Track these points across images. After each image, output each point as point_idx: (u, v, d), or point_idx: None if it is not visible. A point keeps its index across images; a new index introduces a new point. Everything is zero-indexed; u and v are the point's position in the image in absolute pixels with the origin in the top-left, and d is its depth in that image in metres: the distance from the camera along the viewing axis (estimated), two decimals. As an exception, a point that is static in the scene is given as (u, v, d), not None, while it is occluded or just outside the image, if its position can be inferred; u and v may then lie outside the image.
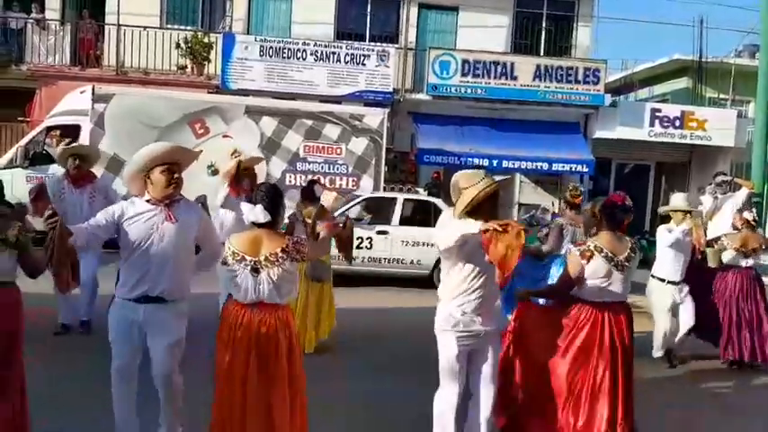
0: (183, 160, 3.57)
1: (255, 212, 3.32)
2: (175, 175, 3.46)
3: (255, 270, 3.26)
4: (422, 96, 14.33)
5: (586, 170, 13.97)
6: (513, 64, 14.14)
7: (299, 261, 3.46)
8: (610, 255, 3.72)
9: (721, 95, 17.55)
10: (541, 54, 15.37)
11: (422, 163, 13.89)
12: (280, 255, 3.28)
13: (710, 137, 14.88)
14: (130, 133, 10.51)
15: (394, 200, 10.36)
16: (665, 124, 14.85)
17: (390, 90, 13.97)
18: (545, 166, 13.83)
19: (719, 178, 9.38)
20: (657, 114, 14.90)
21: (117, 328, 3.48)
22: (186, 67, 14.21)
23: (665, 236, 5.90)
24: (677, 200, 6.28)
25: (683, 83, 18.53)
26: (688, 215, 5.91)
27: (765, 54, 10.76)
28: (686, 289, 6.04)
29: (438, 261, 6.84)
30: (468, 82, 13.96)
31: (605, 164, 15.75)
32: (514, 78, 14.06)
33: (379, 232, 9.90)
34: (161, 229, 3.41)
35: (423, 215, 10.42)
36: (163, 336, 3.47)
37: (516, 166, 13.75)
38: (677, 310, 6.07)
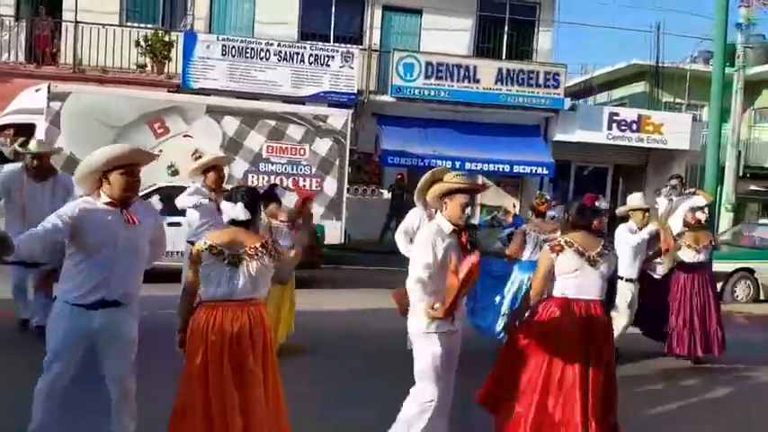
0: (142, 162, 3.45)
1: (236, 210, 3.33)
2: (135, 178, 3.35)
3: (234, 263, 3.26)
4: (386, 98, 14.38)
5: (546, 172, 14.22)
6: (475, 67, 14.31)
7: (275, 261, 3.44)
8: (581, 249, 3.72)
9: (677, 100, 18.06)
10: (503, 58, 15.59)
11: (386, 164, 13.94)
12: (260, 249, 3.32)
13: (666, 140, 15.31)
14: (87, 132, 10.24)
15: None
16: (623, 128, 15.22)
17: (355, 91, 13.98)
18: (506, 168, 14.04)
19: (674, 181, 9.64)
20: (615, 118, 15.26)
21: (64, 337, 3.26)
22: (146, 65, 13.96)
23: (626, 236, 6.02)
24: (635, 199, 6.47)
25: (640, 87, 18.99)
26: (647, 213, 6.09)
27: (718, 61, 11.08)
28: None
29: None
30: (431, 84, 14.07)
31: (565, 166, 16.05)
32: (477, 81, 14.24)
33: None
34: (122, 233, 3.27)
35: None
36: (118, 340, 3.36)
37: (479, 168, 13.92)
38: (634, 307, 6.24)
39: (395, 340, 5.52)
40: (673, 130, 15.31)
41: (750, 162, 16.43)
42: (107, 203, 3.27)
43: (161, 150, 10.11)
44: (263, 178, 10.85)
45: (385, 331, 5.98)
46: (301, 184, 11.31)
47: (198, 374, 3.22)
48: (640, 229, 6.14)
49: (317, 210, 10.79)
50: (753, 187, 16.44)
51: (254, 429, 3.22)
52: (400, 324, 3.90)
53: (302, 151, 11.43)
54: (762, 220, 16.12)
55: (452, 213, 3.57)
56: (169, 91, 13.00)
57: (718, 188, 12.92)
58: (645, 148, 15.73)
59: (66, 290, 3.30)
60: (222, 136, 11.04)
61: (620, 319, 6.08)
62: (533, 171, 14.17)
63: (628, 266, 6.05)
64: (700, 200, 9.21)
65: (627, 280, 6.04)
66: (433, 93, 14.11)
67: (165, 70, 13.87)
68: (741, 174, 14.90)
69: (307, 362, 5.69)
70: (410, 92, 14.08)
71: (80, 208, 3.25)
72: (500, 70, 14.37)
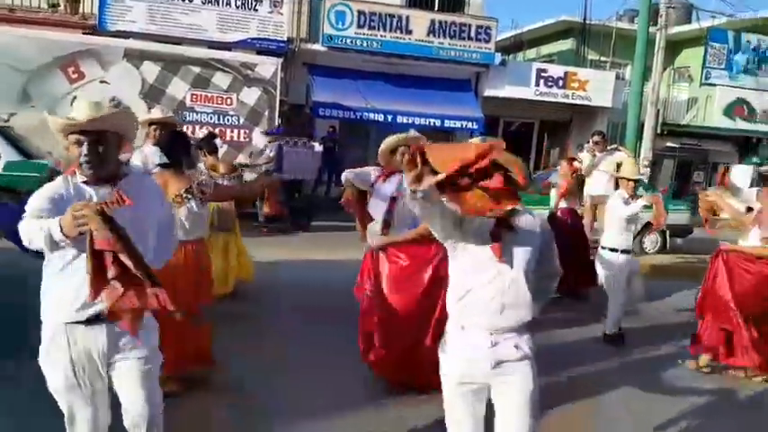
0: (111, 127, 2.39)
1: (160, 155, 3.75)
2: (100, 149, 2.33)
3: None
4: (317, 47, 14.00)
5: (476, 127, 14.36)
6: (408, 18, 14.09)
7: (204, 201, 3.76)
8: None
9: (602, 57, 18.49)
10: (436, 9, 15.42)
11: (317, 116, 13.68)
12: (185, 195, 3.56)
13: (590, 97, 15.73)
14: (-6, 76, 9.54)
15: None
16: (550, 84, 15.50)
17: (284, 39, 13.51)
18: (437, 122, 14.07)
19: (597, 137, 9.96)
20: (543, 74, 15.50)
21: (66, 370, 2.38)
22: (58, 4, 12.95)
23: (620, 207, 5.69)
24: (628, 166, 6.32)
25: (568, 44, 19.31)
26: (633, 183, 5.76)
27: (643, 20, 11.39)
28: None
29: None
30: (363, 34, 13.78)
31: (494, 121, 16.27)
32: (410, 33, 14.06)
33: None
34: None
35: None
36: (134, 358, 2.46)
37: (410, 122, 13.87)
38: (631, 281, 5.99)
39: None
40: (597, 87, 15.72)
41: (668, 120, 17.16)
42: (85, 182, 2.38)
43: (75, 97, 9.54)
44: (188, 128, 10.44)
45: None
46: (228, 135, 10.99)
47: None
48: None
49: (245, 161, 10.54)
50: (669, 144, 17.23)
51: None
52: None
53: (229, 101, 11.06)
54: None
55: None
56: (84, 33, 12.13)
57: (637, 144, 13.47)
58: (570, 105, 16.10)
59: (55, 309, 2.37)
60: (142, 82, 10.51)
61: (617, 296, 5.79)
62: (463, 126, 14.27)
63: (620, 238, 5.73)
64: (622, 155, 9.61)
65: (623, 252, 5.71)
66: (365, 43, 13.83)
67: (80, 10, 12.91)
68: (659, 131, 15.53)
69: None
70: (342, 41, 13.76)
71: (61, 187, 2.36)
72: (432, 22, 14.22)
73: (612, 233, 5.80)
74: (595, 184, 9.41)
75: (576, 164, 7.69)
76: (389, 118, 13.62)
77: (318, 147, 11.85)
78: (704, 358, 5.12)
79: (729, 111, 17.53)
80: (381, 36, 13.87)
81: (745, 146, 17.95)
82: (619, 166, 7.89)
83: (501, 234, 2.44)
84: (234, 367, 4.25)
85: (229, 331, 4.67)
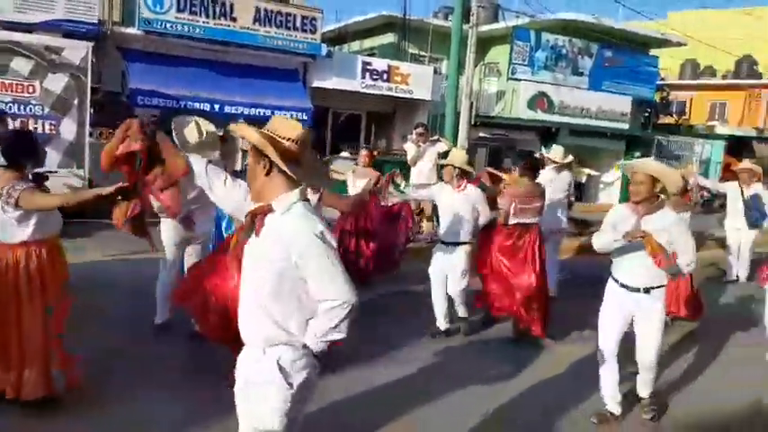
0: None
1: None
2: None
3: None
4: (133, 31, 13.08)
5: (306, 118, 14.42)
6: (232, 4, 13.68)
7: (14, 207, 3.65)
8: None
9: (421, 52, 19.47)
10: (261, -3, 15.13)
11: (136, 105, 12.79)
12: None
13: (412, 90, 16.54)
14: None
15: None
16: (375, 77, 16.04)
17: (95, 21, 12.43)
18: (267, 112, 13.89)
19: (420, 129, 10.55)
20: (368, 67, 15.99)
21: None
22: None
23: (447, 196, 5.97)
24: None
25: (389, 38, 20.06)
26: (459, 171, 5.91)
27: (457, 17, 12.19)
28: None
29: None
30: (184, 19, 13.13)
31: (323, 112, 16.46)
32: (234, 20, 13.67)
33: None
34: None
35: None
36: None
37: (238, 112, 13.58)
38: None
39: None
40: (417, 80, 16.56)
41: (480, 112, 18.57)
42: None
43: None
44: (-17, 119, 9.24)
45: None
46: (32, 125, 9.92)
47: None
48: None
49: (54, 157, 9.65)
50: (482, 134, 18.66)
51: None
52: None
53: (31, 88, 9.98)
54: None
55: None
56: None
57: (455, 135, 14.46)
58: (394, 97, 16.79)
59: None
60: None
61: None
62: (293, 116, 14.23)
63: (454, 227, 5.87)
64: (443, 146, 10.31)
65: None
66: (187, 29, 13.19)
67: None
68: (473, 122, 16.76)
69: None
70: (161, 26, 12.99)
71: None
72: (258, 9, 13.95)
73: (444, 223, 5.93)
74: (419, 175, 10.01)
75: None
76: (216, 107, 13.19)
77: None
78: None
79: (532, 103, 19.44)
80: (204, 22, 13.33)
81: (546, 135, 20.02)
82: (441, 155, 8.51)
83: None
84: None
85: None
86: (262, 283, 2.35)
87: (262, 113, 13.82)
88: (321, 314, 2.34)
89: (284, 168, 2.31)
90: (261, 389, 2.38)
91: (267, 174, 2.36)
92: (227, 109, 13.25)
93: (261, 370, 2.38)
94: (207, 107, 12.97)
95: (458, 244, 5.86)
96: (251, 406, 2.43)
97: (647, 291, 4.22)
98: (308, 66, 15.43)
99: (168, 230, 5.35)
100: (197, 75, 13.57)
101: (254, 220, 2.37)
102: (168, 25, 13.03)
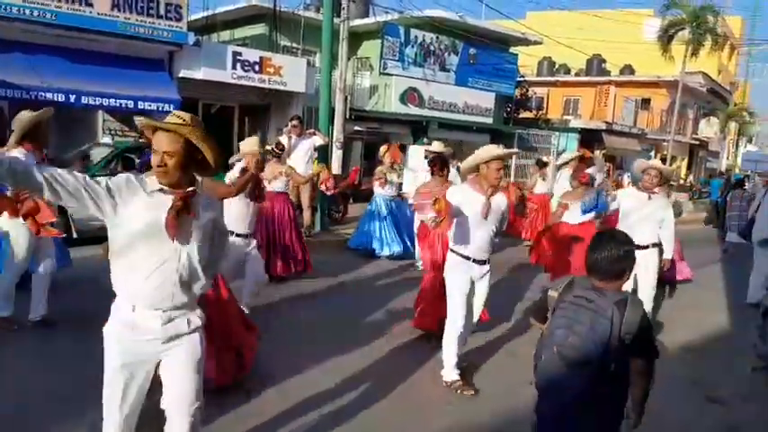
0: None
1: None
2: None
3: None
4: (-28, 14, 11.83)
5: (172, 109, 13.81)
6: (88, -10, 12.78)
7: None
8: None
9: (294, 45, 19.31)
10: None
11: (-24, 96, 11.64)
12: None
13: (285, 82, 16.36)
14: None
15: None
16: (246, 68, 15.68)
17: (-77, 1, 11.13)
18: (130, 104, 13.16)
19: (295, 122, 10.51)
20: (239, 58, 15.59)
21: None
22: None
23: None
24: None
25: (260, 29, 19.66)
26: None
27: (327, 11, 12.17)
28: None
29: None
30: (33, 4, 12.05)
31: (193, 104, 15.83)
32: (90, 5, 12.75)
33: None
34: None
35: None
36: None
37: (98, 103, 12.76)
38: None
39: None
40: (291, 72, 16.41)
41: (355, 105, 18.78)
42: None
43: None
44: None
45: None
46: None
47: None
48: None
49: None
50: (357, 128, 18.90)
51: None
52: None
53: None
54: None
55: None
56: None
57: (329, 129, 14.51)
58: (267, 89, 16.53)
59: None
60: None
61: None
62: (160, 108, 13.54)
63: None
64: (318, 139, 10.42)
65: None
66: (36, 13, 12.13)
67: None
68: (348, 116, 16.91)
69: None
70: (7, 9, 11.82)
71: None
72: (116, -5, 13.12)
73: None
74: (295, 167, 9.95)
75: None
76: (72, 98, 12.27)
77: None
78: None
79: (404, 98, 19.99)
80: (56, 7, 12.31)
81: (418, 128, 20.67)
82: (317, 149, 8.55)
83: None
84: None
85: None
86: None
87: (124, 105, 13.09)
88: None
89: None
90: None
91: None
92: (84, 100, 12.38)
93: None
94: (62, 98, 12.07)
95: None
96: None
97: None
98: (174, 55, 14.77)
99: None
100: (50, 63, 12.54)
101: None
102: (15, 9, 11.85)
